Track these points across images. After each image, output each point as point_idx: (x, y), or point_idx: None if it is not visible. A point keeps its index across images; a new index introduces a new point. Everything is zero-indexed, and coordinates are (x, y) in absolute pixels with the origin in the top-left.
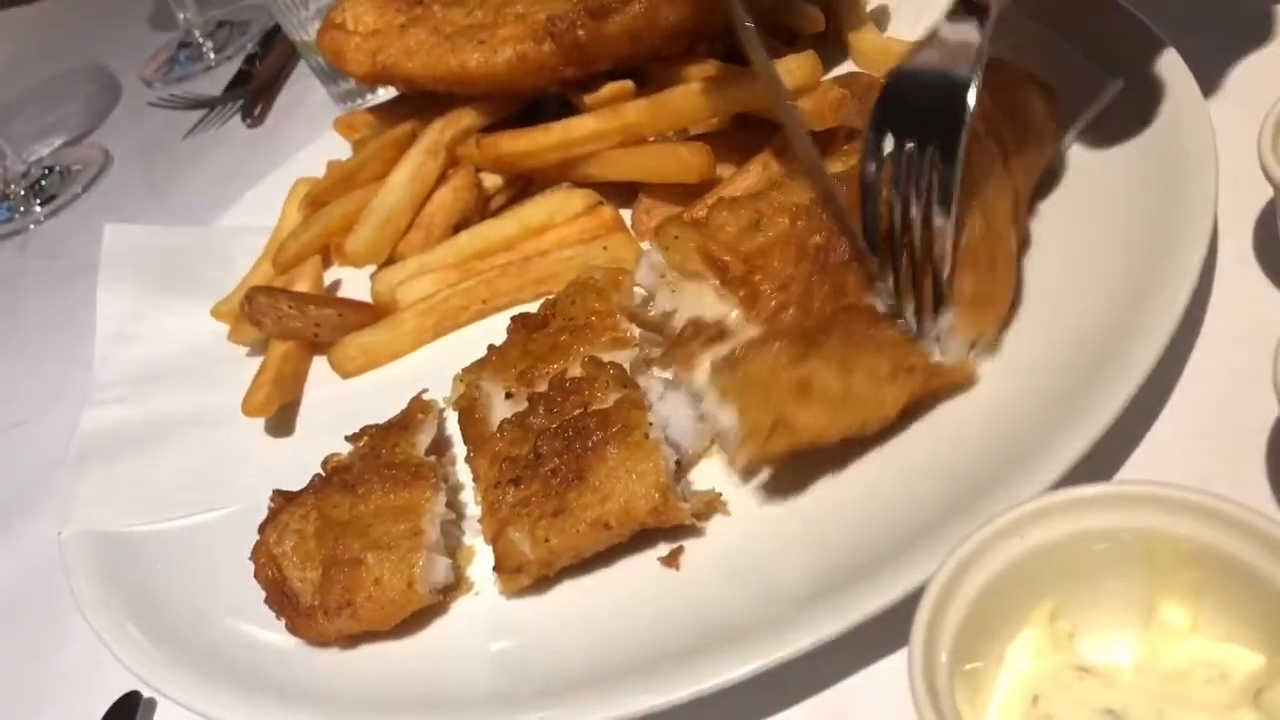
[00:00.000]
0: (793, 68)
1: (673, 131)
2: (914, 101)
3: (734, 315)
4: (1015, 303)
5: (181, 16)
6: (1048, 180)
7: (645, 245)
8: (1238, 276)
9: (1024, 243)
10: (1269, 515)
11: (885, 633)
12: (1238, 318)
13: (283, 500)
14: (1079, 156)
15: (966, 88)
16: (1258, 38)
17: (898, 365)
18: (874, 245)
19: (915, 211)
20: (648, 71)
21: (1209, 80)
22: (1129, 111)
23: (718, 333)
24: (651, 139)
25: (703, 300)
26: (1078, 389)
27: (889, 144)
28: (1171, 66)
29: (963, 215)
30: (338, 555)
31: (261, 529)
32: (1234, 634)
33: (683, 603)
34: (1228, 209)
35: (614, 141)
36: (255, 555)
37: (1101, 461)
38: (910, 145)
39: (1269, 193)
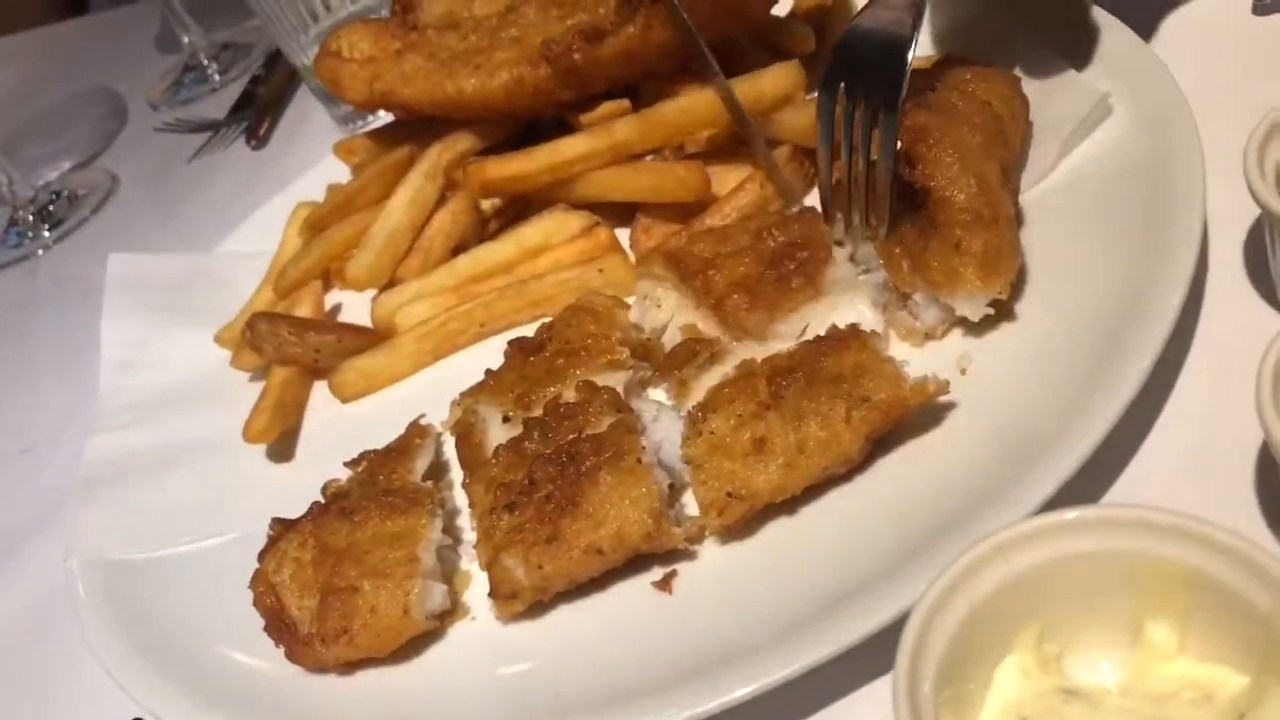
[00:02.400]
0: (777, 75)
1: (666, 147)
2: (861, 60)
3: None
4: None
5: (186, 39)
6: (1034, 197)
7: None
8: (1227, 293)
9: (1037, 216)
10: (1251, 538)
11: (875, 654)
12: (1226, 335)
13: (281, 528)
14: (1066, 175)
15: (907, 45)
16: (1247, 52)
17: (854, 401)
18: (828, 191)
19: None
20: (643, 90)
21: (1198, 95)
22: (1117, 128)
23: (710, 356)
24: (649, 158)
25: (685, 310)
26: (1064, 411)
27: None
28: (1161, 82)
29: (956, 178)
30: (334, 583)
31: (261, 557)
32: (1220, 655)
33: (675, 626)
34: (1218, 223)
35: (604, 160)
36: (254, 584)
37: (1088, 483)
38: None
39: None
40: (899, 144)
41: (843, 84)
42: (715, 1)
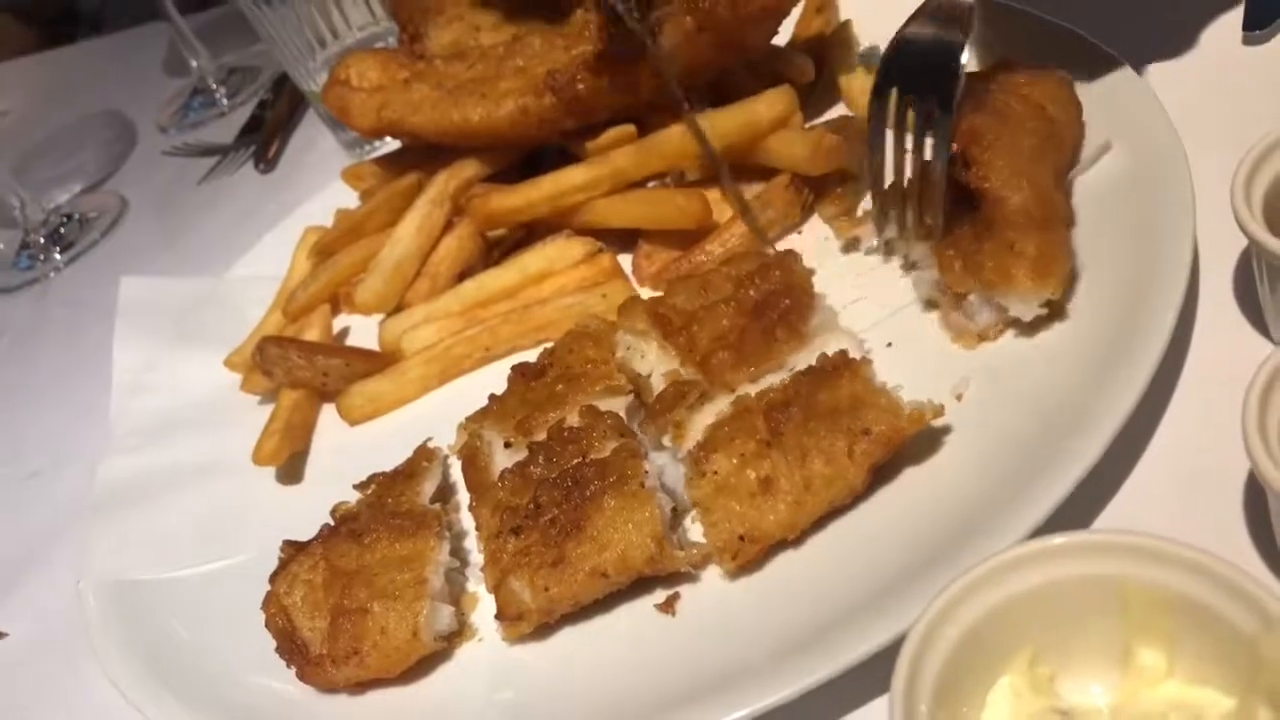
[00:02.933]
0: (771, 100)
1: (666, 174)
2: (913, 64)
3: (692, 375)
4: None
5: (194, 63)
6: None
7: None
8: (1217, 320)
9: (1069, 219)
10: (1235, 563)
11: (871, 677)
12: (1217, 362)
13: (292, 550)
14: None
15: (959, 48)
16: (1237, 81)
17: (854, 435)
18: (879, 194)
19: (914, 162)
20: (646, 118)
21: (1190, 125)
22: (1111, 161)
23: (700, 396)
24: (651, 184)
25: (667, 360)
26: (1055, 437)
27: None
28: (1153, 115)
29: (1009, 180)
30: (345, 604)
31: (272, 579)
32: (1208, 677)
33: (678, 648)
34: (1210, 251)
35: (605, 189)
36: (266, 605)
37: (1080, 507)
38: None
39: None
40: (954, 147)
41: (895, 89)
42: (715, 34)
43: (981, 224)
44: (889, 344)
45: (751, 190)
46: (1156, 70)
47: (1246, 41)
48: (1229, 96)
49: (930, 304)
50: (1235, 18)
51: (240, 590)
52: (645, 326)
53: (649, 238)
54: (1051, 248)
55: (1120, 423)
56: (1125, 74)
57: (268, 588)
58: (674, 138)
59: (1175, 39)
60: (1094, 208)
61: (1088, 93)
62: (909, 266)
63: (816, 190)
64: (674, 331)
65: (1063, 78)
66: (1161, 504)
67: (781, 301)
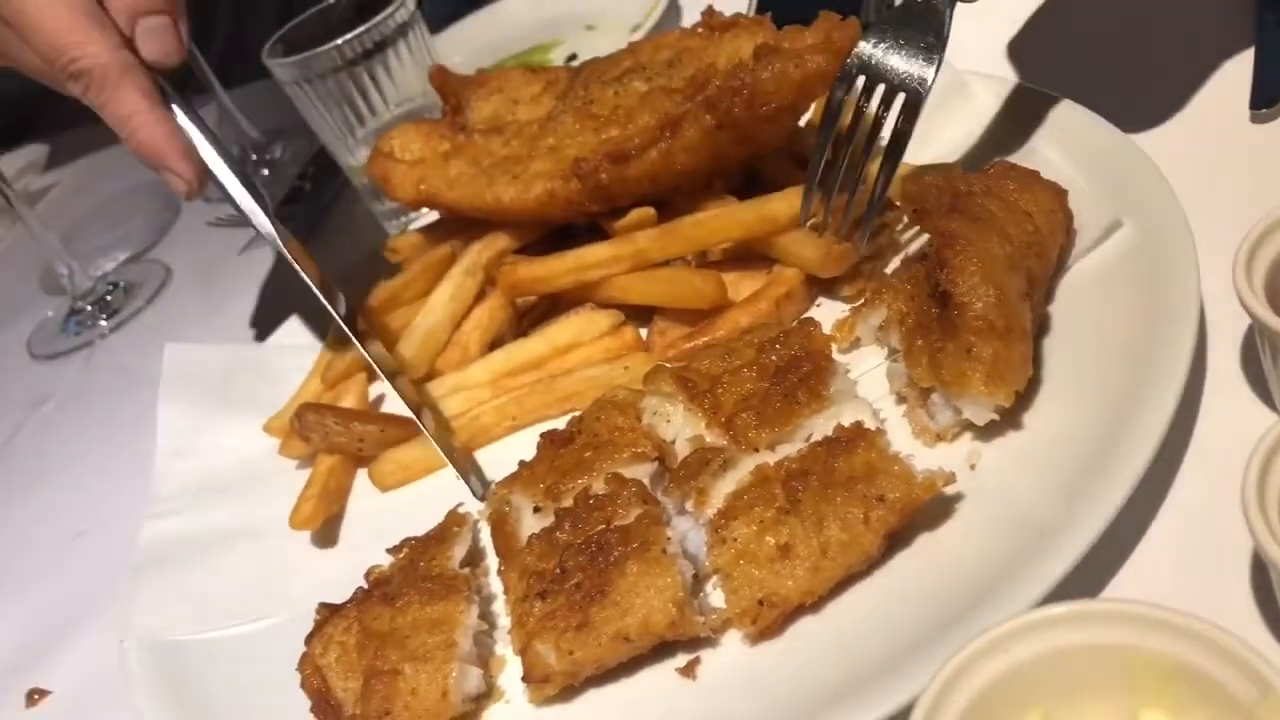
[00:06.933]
0: (790, 198)
1: (688, 255)
2: (883, 59)
3: (716, 437)
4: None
5: (249, 131)
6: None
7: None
8: (1223, 393)
9: (1042, 325)
10: (1232, 631)
11: None
12: (1223, 435)
13: (327, 612)
14: (1071, 283)
15: (934, 51)
16: (1244, 159)
17: (870, 502)
18: (815, 175)
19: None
20: (669, 201)
21: (1196, 203)
22: (1118, 240)
23: (722, 464)
24: (675, 262)
25: (691, 425)
26: (1063, 507)
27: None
28: (1160, 195)
29: (975, 286)
30: (377, 666)
31: (308, 640)
32: None
33: (698, 711)
34: (1217, 326)
35: (626, 266)
36: (301, 666)
37: (1090, 575)
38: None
39: None
40: (932, 246)
41: (862, 78)
42: (734, 131)
43: (949, 324)
44: (904, 414)
45: (763, 278)
46: (1165, 148)
47: (1255, 120)
48: (1235, 172)
49: (901, 398)
50: (1243, 95)
51: (277, 651)
52: (671, 389)
53: (664, 314)
54: (1008, 358)
55: (1126, 494)
56: (1133, 151)
57: (303, 649)
58: (693, 224)
59: (1183, 117)
60: (1101, 283)
61: (1095, 170)
62: (890, 355)
63: (826, 289)
64: (699, 394)
65: (1056, 189)
66: (1168, 573)
67: (802, 366)
